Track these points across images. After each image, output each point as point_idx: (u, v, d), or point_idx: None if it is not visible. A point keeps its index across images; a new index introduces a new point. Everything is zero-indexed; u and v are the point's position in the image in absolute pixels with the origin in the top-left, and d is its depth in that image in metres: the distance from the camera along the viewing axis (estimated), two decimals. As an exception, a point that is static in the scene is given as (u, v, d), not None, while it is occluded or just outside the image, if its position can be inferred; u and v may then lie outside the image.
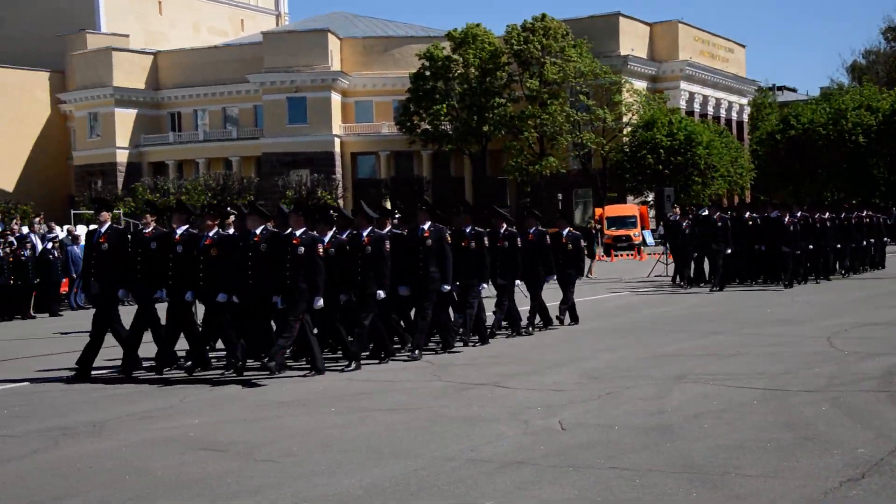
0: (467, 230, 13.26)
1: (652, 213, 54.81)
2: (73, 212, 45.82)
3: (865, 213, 25.26)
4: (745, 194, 67.01)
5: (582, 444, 7.19)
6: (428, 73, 62.61)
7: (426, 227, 12.51)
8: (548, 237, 14.95)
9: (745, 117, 79.67)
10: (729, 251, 21.43)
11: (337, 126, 69.03)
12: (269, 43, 69.47)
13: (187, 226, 11.66)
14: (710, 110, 74.03)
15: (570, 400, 8.93)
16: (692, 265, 22.70)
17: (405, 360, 12.01)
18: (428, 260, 12.33)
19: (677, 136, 59.04)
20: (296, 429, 8.14)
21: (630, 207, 56.71)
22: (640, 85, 67.09)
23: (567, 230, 15.85)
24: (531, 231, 14.73)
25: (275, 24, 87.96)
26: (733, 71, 77.31)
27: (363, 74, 69.97)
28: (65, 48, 74.03)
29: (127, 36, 75.07)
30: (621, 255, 45.36)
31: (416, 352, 12.15)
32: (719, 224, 21.52)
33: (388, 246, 11.82)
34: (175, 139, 72.52)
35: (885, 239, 26.74)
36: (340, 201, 60.81)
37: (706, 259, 22.42)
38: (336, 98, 69.13)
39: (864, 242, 24.61)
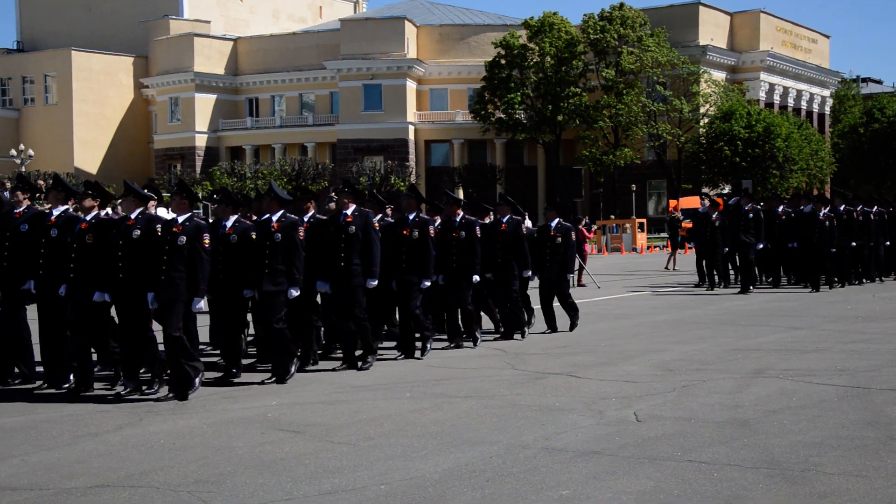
0: (410, 217, 11.46)
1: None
2: (153, 194, 46.78)
3: None
4: (825, 188, 65.62)
5: (658, 436, 7.16)
6: (503, 62, 62.45)
7: (349, 212, 10.68)
8: (524, 227, 13.30)
9: (827, 109, 77.91)
10: (760, 246, 19.87)
11: (411, 113, 69.33)
12: (347, 30, 69.97)
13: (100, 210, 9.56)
14: (791, 102, 72.56)
15: (646, 392, 8.89)
16: (719, 264, 20.67)
17: (480, 346, 12.05)
18: (350, 250, 10.51)
19: (755, 127, 57.97)
20: (372, 412, 8.24)
21: (705, 199, 55.82)
22: (719, 75, 66.04)
23: (556, 221, 13.72)
24: (504, 220, 13.12)
25: (352, 12, 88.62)
26: (816, 62, 75.65)
27: (439, 62, 70.11)
28: (148, 34, 75.61)
29: (208, 22, 76.41)
30: (694, 248, 44.70)
31: (369, 358, 10.74)
32: (751, 216, 19.78)
33: (301, 234, 10.03)
34: (252, 124, 73.66)
35: None
36: (413, 189, 61.00)
37: (736, 256, 20.53)
38: (411, 85, 69.40)
39: None
